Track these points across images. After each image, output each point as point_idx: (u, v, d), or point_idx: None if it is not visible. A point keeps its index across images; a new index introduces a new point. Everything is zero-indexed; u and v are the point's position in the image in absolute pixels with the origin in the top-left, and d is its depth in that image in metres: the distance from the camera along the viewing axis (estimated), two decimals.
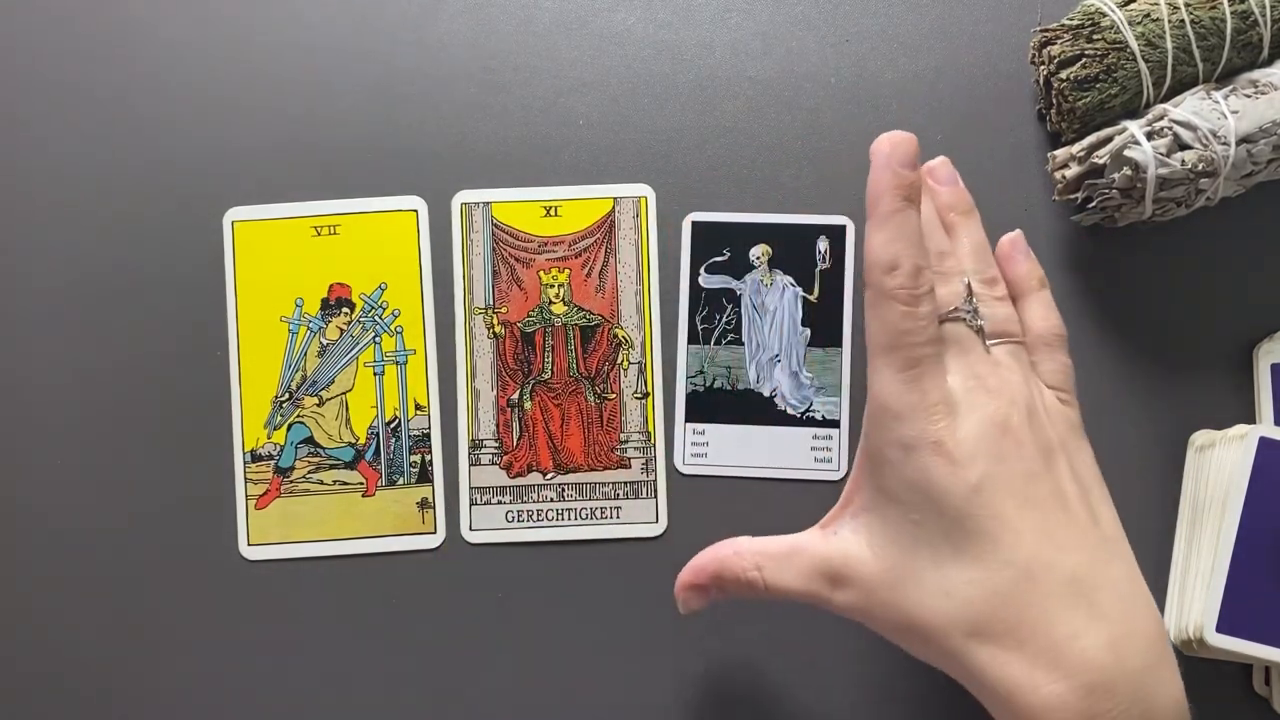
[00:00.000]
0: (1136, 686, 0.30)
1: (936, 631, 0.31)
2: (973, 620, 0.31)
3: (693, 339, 0.42)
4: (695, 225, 0.42)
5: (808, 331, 0.42)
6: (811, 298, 0.42)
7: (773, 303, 0.42)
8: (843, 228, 0.42)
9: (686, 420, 0.42)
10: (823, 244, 0.42)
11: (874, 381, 0.33)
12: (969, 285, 0.35)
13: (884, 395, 0.32)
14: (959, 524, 0.31)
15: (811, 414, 0.42)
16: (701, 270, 0.42)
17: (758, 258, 0.42)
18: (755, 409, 0.42)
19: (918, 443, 0.32)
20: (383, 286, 0.43)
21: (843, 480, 0.41)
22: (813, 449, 0.42)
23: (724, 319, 0.42)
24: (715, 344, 0.42)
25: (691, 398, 0.42)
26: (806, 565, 0.34)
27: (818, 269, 0.42)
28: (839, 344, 0.42)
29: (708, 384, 0.42)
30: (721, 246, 0.42)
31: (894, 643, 0.33)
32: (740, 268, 0.42)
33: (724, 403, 0.42)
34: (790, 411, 0.42)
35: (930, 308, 0.33)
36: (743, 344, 0.42)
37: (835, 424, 0.42)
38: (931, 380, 0.32)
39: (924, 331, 0.32)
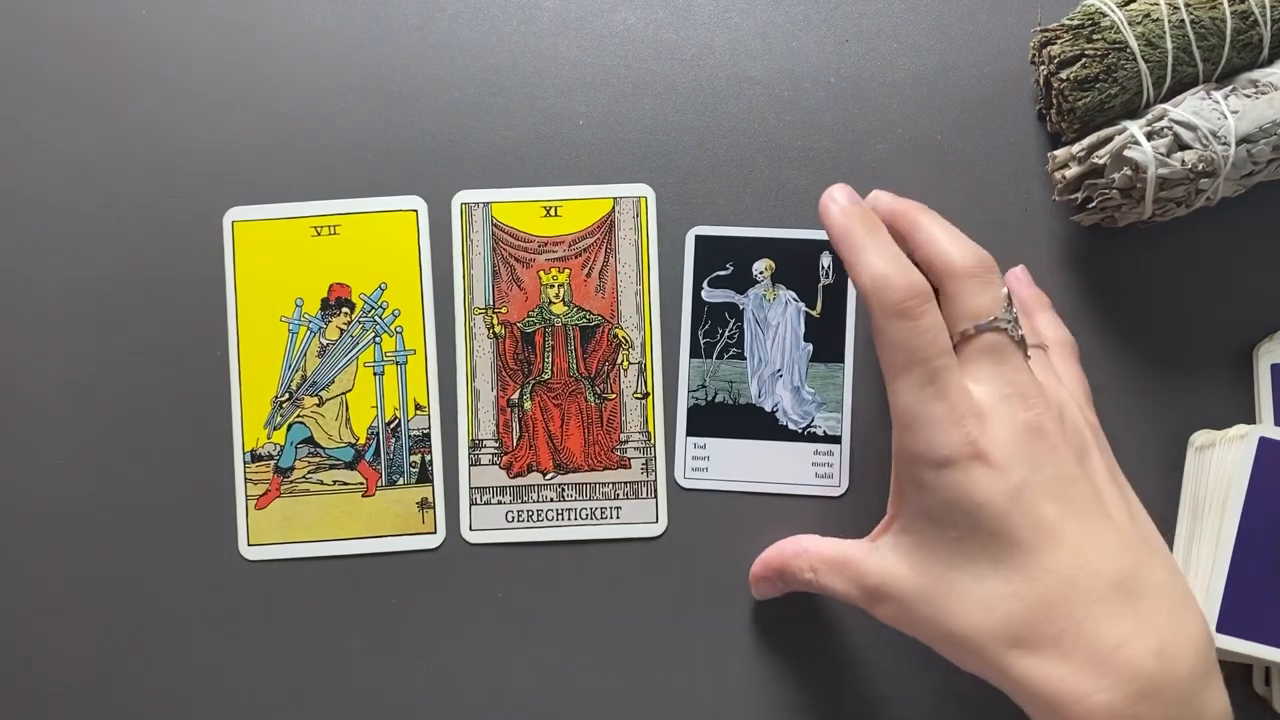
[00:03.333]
0: (1186, 694, 0.30)
1: (978, 644, 0.31)
2: (1015, 632, 0.31)
3: (695, 353, 0.42)
4: (699, 239, 0.42)
5: (810, 347, 0.42)
6: (814, 313, 0.42)
7: (775, 318, 0.42)
8: None
9: (688, 434, 0.42)
10: (826, 259, 0.42)
11: (897, 404, 0.33)
12: (1008, 295, 0.34)
13: (909, 413, 0.32)
14: (998, 535, 0.31)
15: (813, 429, 0.42)
16: (704, 284, 0.42)
17: (760, 272, 0.42)
18: (757, 424, 0.42)
19: (953, 455, 0.31)
20: (383, 286, 0.43)
21: (844, 497, 0.41)
22: (814, 465, 0.42)
23: (726, 333, 0.42)
24: (717, 358, 0.42)
25: (693, 411, 0.42)
26: (852, 576, 0.34)
27: (820, 284, 0.42)
28: (841, 359, 0.42)
29: (709, 398, 0.42)
30: (725, 261, 0.42)
31: (939, 653, 0.33)
32: (743, 282, 0.42)
33: (725, 417, 0.42)
34: (792, 427, 0.42)
35: (933, 319, 0.32)
36: (745, 358, 0.42)
37: (837, 439, 0.42)
38: (956, 391, 0.32)
39: (935, 344, 0.32)
